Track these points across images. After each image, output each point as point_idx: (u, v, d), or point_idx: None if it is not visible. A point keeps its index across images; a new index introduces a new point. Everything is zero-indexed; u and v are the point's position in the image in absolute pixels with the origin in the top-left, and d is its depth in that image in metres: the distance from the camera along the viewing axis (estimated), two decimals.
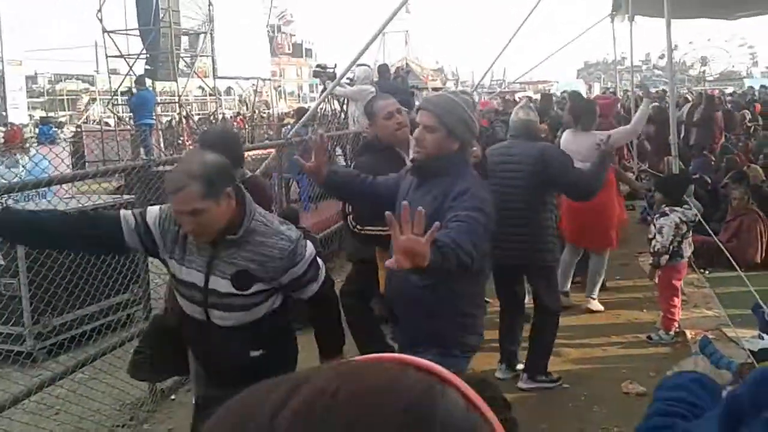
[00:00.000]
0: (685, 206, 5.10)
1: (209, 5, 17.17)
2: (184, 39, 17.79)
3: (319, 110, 10.80)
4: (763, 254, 6.87)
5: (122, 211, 2.38)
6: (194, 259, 2.32)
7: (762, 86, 26.88)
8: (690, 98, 16.73)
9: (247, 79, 21.54)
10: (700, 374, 1.28)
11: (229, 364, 2.35)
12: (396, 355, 0.51)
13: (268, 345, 2.40)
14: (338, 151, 8.91)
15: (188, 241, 2.32)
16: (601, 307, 5.69)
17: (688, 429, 0.99)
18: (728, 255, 5.55)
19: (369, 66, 10.59)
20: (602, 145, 4.57)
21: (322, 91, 10.53)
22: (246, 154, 5.21)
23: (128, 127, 15.58)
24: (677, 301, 5.13)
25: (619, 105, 12.03)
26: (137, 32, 16.35)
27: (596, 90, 34.48)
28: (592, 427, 3.88)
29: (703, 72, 47.48)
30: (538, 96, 18.65)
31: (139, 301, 4.87)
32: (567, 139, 5.64)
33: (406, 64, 20.29)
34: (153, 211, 2.37)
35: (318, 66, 11.45)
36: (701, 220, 5.49)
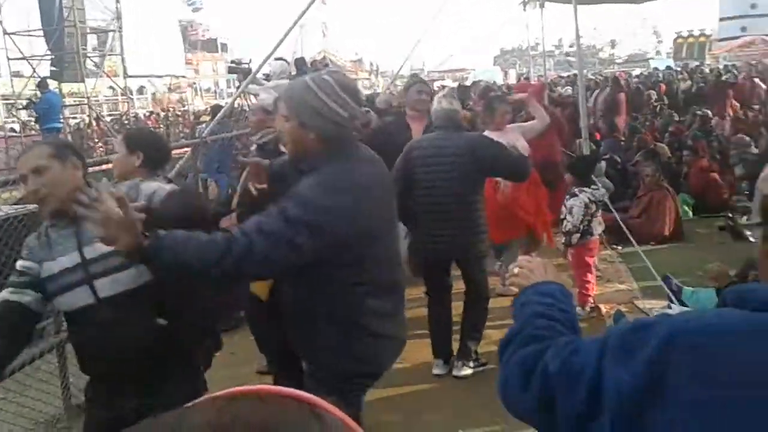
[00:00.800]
0: (593, 186, 5.28)
1: (116, 2, 16.57)
2: (91, 38, 17.13)
3: (236, 107, 10.61)
4: (671, 228, 7.21)
5: (8, 296, 2.21)
6: (61, 242, 2.20)
7: (667, 67, 28.14)
8: (598, 82, 17.33)
9: (160, 77, 20.92)
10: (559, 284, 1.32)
11: (132, 341, 2.12)
12: (273, 388, 0.51)
13: (174, 315, 2.21)
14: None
15: (50, 232, 2.23)
16: (514, 290, 5.78)
17: (579, 345, 1.02)
18: (626, 231, 5.81)
19: (286, 60, 10.47)
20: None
21: (238, 87, 10.34)
22: None
23: (34, 132, 14.88)
24: (591, 277, 5.32)
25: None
26: (41, 33, 15.63)
27: (512, 76, 35.28)
28: None
29: (612, 55, 49.32)
30: (456, 84, 18.91)
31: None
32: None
33: (324, 56, 20.15)
34: (20, 262, 2.26)
35: (233, 62, 11.26)
36: (607, 200, 5.71)
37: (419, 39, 10.15)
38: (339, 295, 2.24)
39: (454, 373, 4.35)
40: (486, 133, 5.35)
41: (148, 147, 2.67)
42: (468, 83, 16.38)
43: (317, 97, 2.15)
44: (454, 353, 4.43)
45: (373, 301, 2.28)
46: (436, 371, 4.39)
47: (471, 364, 4.33)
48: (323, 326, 2.27)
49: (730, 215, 7.45)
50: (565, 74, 24.97)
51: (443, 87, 13.02)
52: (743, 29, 37.33)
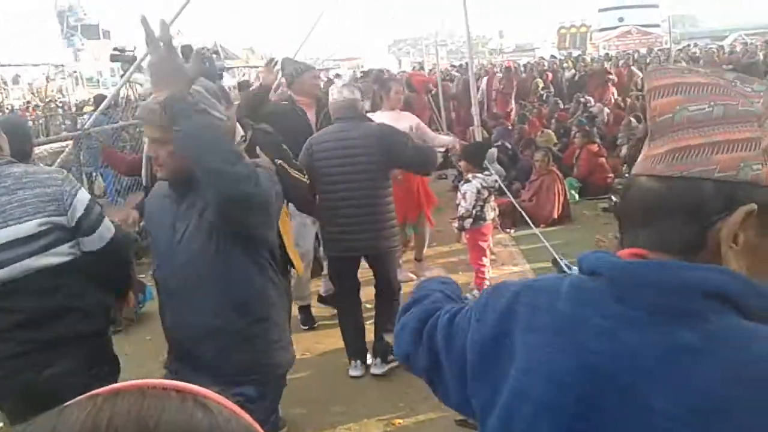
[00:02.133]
0: (486, 173, 5.42)
1: None
2: None
3: (121, 97, 10.10)
4: (559, 210, 7.54)
5: None
6: None
7: (552, 56, 29.34)
8: (488, 70, 17.82)
9: (37, 65, 19.63)
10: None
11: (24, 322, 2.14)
12: (155, 381, 0.49)
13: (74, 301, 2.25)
14: (144, 139, 8.40)
15: None
16: (413, 277, 5.86)
17: (465, 309, 1.14)
18: (524, 214, 6.02)
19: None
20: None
21: (123, 76, 9.83)
22: (40, 148, 4.71)
23: None
24: (486, 260, 5.47)
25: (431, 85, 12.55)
26: None
27: (406, 65, 35.69)
28: (417, 390, 4.02)
29: (500, 44, 50.89)
30: (350, 72, 18.88)
31: None
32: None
33: (215, 43, 19.55)
34: None
35: (116, 49, 10.66)
36: (501, 185, 5.88)
37: (313, 27, 9.99)
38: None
39: (373, 371, 4.24)
40: (379, 113, 5.39)
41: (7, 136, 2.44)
42: (362, 72, 16.40)
43: None
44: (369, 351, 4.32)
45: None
46: (354, 373, 4.25)
47: (389, 358, 4.20)
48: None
49: (613, 197, 7.88)
50: (457, 63, 25.51)
51: (338, 76, 12.94)
52: (621, 20, 39.60)
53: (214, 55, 14.22)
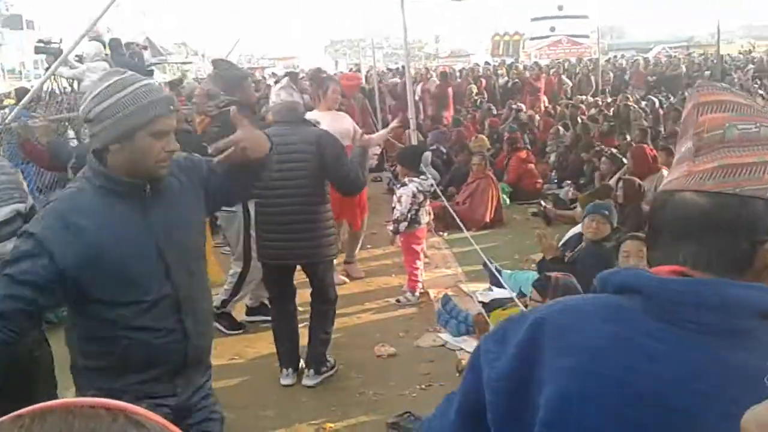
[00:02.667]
0: (422, 176, 5.48)
1: None
2: None
3: (45, 90, 9.70)
4: (492, 215, 7.68)
5: None
6: None
7: (486, 62, 29.88)
8: (423, 74, 18.00)
9: None
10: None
11: None
12: (83, 399, 0.48)
13: None
14: (71, 134, 8.10)
15: None
16: (346, 280, 5.88)
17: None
18: (456, 218, 6.11)
19: (102, 41, 9.75)
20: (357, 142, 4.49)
21: (48, 69, 9.45)
22: None
23: None
24: (419, 263, 5.52)
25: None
26: None
27: (342, 66, 35.64)
28: (349, 393, 4.03)
29: (436, 49, 51.43)
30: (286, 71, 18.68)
31: None
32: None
33: (147, 38, 19.02)
34: None
35: (40, 41, 10.23)
36: (436, 189, 5.95)
37: (249, 24, 9.86)
38: None
39: (305, 382, 4.12)
40: (317, 113, 5.29)
41: None
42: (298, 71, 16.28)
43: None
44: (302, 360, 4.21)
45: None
46: (285, 381, 4.12)
47: (323, 369, 4.14)
48: None
49: (542, 202, 8.09)
50: (393, 66, 25.65)
51: (273, 75, 12.80)
52: (552, 29, 40.63)
53: (144, 51, 13.78)
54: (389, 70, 22.23)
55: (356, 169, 4.00)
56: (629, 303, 0.87)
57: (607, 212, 4.56)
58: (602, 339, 0.87)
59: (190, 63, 24.85)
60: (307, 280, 4.16)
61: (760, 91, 14.78)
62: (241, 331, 4.91)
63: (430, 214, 5.64)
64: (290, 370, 4.14)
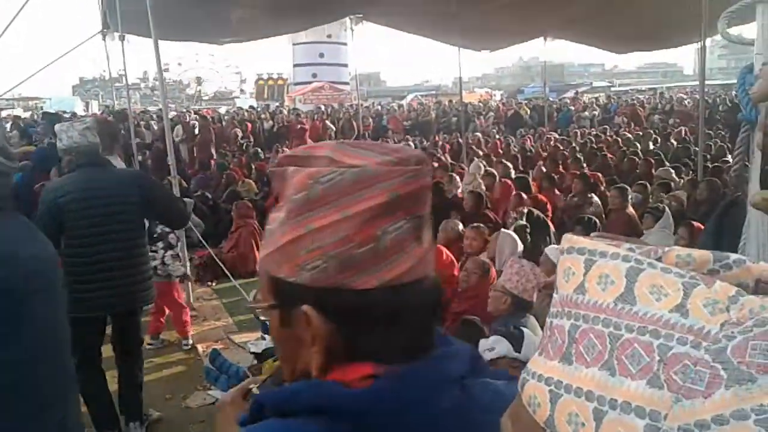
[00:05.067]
0: (187, 228, 5.22)
1: None
2: None
3: None
4: None
5: None
6: None
7: (250, 106, 29.94)
8: (189, 118, 17.48)
9: None
10: None
11: None
12: None
13: None
14: None
15: None
16: None
17: None
18: (222, 266, 5.93)
19: None
20: None
21: None
22: None
23: None
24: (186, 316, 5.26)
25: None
26: None
27: (94, 107, 33.36)
28: None
29: (199, 91, 50.51)
30: (27, 114, 16.99)
31: None
32: None
33: None
34: None
35: None
36: (199, 237, 5.71)
37: None
38: None
39: None
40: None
41: None
42: (42, 113, 14.83)
43: None
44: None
45: None
46: None
47: (144, 417, 3.98)
48: None
49: None
50: (153, 108, 24.59)
51: (12, 116, 11.53)
52: (314, 75, 42.11)
53: None
54: (144, 112, 21.26)
55: (178, 201, 4.06)
56: (331, 428, 0.72)
57: None
58: None
59: None
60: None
61: (498, 137, 16.59)
62: None
63: (185, 265, 5.40)
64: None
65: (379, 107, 27.52)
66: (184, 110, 25.65)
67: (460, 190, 8.54)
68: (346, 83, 39.05)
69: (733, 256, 0.51)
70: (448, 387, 0.77)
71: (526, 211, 6.15)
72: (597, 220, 5.67)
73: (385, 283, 0.75)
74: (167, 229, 4.96)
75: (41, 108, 24.08)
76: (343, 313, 0.76)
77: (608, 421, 0.46)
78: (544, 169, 9.58)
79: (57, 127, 3.93)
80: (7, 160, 1.86)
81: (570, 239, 0.56)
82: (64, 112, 17.71)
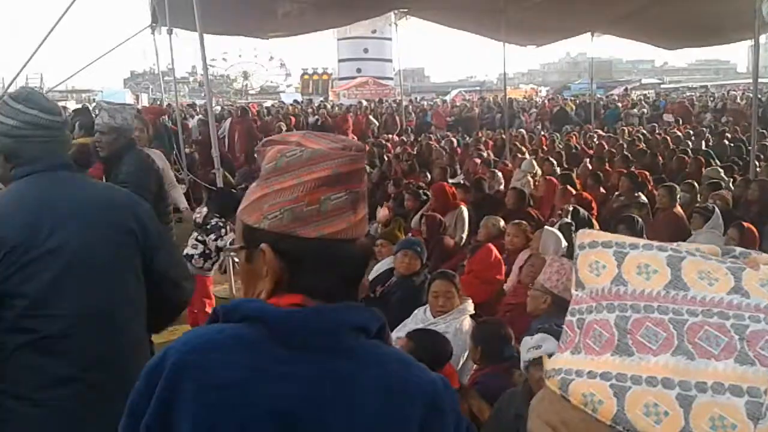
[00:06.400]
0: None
1: None
2: None
3: None
4: None
5: None
6: None
7: (294, 100, 30.22)
8: (231, 111, 17.74)
9: None
10: None
11: None
12: None
13: None
14: None
15: None
16: None
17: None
18: None
19: None
20: None
21: None
22: None
23: None
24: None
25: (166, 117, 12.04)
26: None
27: (144, 100, 34.08)
28: None
29: (246, 86, 51.08)
30: (80, 106, 17.39)
31: None
32: None
33: None
34: None
35: None
36: None
37: (35, 51, 8.99)
38: None
39: None
40: None
41: None
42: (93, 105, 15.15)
43: None
44: None
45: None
46: None
47: None
48: None
49: None
50: (200, 102, 24.99)
51: (65, 109, 11.82)
52: (359, 70, 42.25)
53: None
54: (190, 107, 21.59)
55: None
56: (256, 333, 0.99)
57: (418, 248, 4.69)
58: (242, 371, 0.97)
59: None
60: None
61: (543, 133, 16.39)
62: None
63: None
64: None
65: (423, 103, 27.44)
66: (230, 104, 26.07)
67: (502, 186, 8.46)
68: (390, 78, 39.02)
69: (738, 249, 0.55)
70: (345, 330, 1.01)
71: (571, 209, 6.06)
72: (640, 219, 5.53)
73: (323, 236, 1.01)
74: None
75: (93, 100, 24.69)
76: (289, 254, 1.02)
77: (700, 405, 0.46)
78: (590, 167, 9.41)
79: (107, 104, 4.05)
80: (44, 113, 1.95)
81: (589, 233, 0.58)
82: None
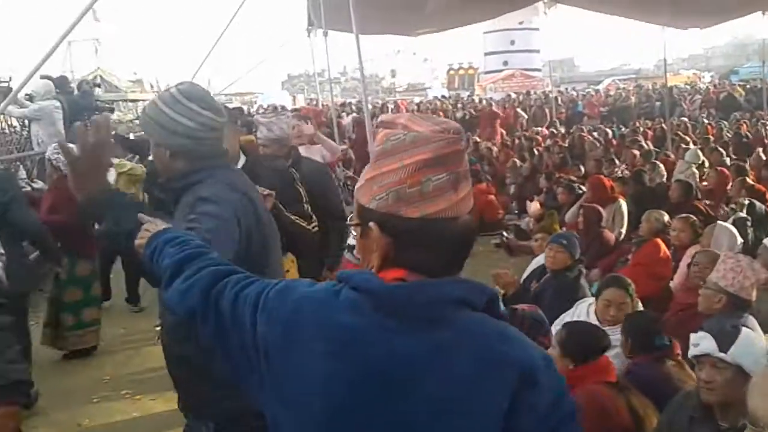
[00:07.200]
0: None
1: None
2: None
3: None
4: None
5: None
6: None
7: (442, 95, 30.37)
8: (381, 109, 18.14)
9: None
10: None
11: None
12: None
13: None
14: (22, 173, 7.85)
15: None
16: None
17: (248, 290, 1.24)
18: None
19: (52, 79, 9.52)
20: None
21: None
22: None
23: None
24: None
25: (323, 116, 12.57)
26: None
27: (300, 101, 35.68)
28: None
29: (393, 83, 52.06)
30: (245, 107, 18.58)
31: None
32: None
33: (97, 76, 18.75)
34: None
35: None
36: None
37: (205, 58, 9.74)
38: None
39: None
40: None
41: None
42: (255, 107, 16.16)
43: (161, 112, 1.99)
44: None
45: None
46: None
47: None
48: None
49: (504, 233, 8.11)
50: (351, 100, 25.81)
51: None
52: (505, 63, 41.53)
53: (96, 89, 13.53)
54: (343, 106, 22.34)
55: None
56: (363, 300, 1.09)
57: (565, 242, 4.54)
58: (349, 331, 1.09)
59: (144, 100, 24.53)
60: None
61: (708, 121, 15.26)
62: None
63: None
64: None
65: (574, 93, 26.49)
66: (380, 102, 26.66)
67: (664, 179, 7.99)
68: (538, 70, 37.96)
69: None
70: (446, 303, 1.08)
71: (747, 202, 5.60)
72: None
73: (425, 215, 1.08)
74: None
75: (255, 102, 26.29)
76: (394, 232, 1.09)
77: None
78: (764, 157, 8.65)
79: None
80: (217, 115, 2.04)
81: None
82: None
